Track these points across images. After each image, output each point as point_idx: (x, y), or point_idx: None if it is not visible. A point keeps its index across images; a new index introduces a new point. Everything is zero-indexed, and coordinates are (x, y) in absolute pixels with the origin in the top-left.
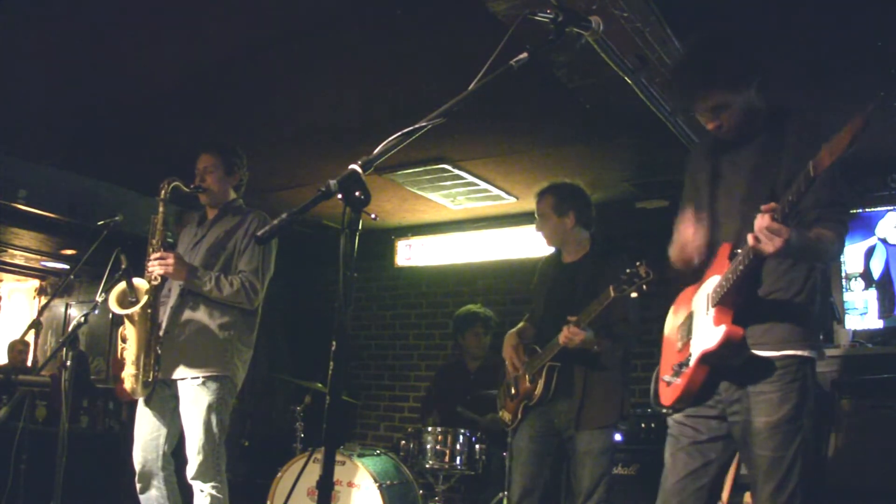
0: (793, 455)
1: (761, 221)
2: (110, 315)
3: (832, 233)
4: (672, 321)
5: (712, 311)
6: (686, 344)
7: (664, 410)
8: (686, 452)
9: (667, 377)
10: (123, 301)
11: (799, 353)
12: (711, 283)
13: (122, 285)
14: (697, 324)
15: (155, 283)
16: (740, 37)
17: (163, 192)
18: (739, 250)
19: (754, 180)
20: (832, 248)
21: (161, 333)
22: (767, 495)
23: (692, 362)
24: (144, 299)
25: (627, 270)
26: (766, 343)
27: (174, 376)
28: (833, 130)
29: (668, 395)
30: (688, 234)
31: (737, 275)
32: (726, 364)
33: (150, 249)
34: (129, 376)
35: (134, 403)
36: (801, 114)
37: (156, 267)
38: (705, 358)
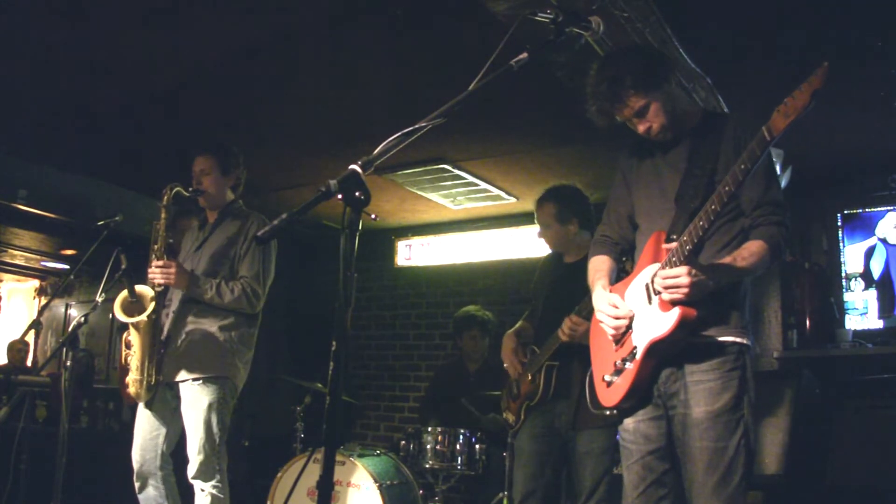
0: (735, 446)
1: (658, 274)
2: (110, 315)
3: (760, 241)
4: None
5: (656, 299)
6: (625, 339)
7: (607, 412)
8: (642, 464)
9: (607, 376)
10: (127, 307)
11: (739, 339)
12: (649, 271)
13: (125, 293)
14: (638, 315)
15: (158, 289)
16: (642, 46)
17: (165, 197)
18: (675, 236)
19: (690, 174)
20: (761, 259)
21: (163, 338)
22: (711, 489)
23: (639, 354)
24: (150, 307)
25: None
26: (707, 328)
27: (177, 379)
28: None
29: (611, 396)
30: (602, 265)
31: (682, 258)
32: (672, 350)
33: (153, 256)
34: (133, 381)
35: (136, 404)
36: (737, 116)
37: (157, 275)
38: (655, 346)
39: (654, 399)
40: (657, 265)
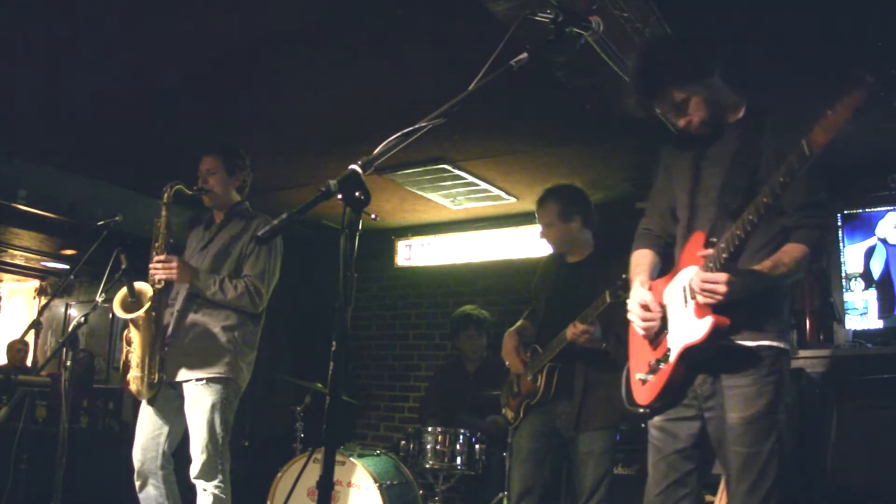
0: (769, 452)
1: (696, 277)
2: (110, 315)
3: (802, 245)
4: None
5: (692, 303)
6: (661, 339)
7: (640, 410)
8: (667, 462)
9: (641, 375)
10: (126, 304)
11: (775, 344)
12: (687, 273)
13: (124, 290)
14: (674, 317)
15: (159, 286)
16: (682, 36)
17: (165, 195)
18: (715, 239)
19: (731, 172)
20: (800, 264)
21: (166, 336)
22: (742, 494)
23: (672, 357)
24: (148, 304)
25: (623, 276)
26: (743, 332)
27: (179, 378)
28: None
29: (644, 394)
30: (643, 259)
31: (718, 266)
32: (706, 355)
33: (154, 253)
34: (134, 378)
35: (139, 402)
36: (781, 110)
37: (159, 271)
38: (688, 352)
39: (688, 399)
40: (696, 267)
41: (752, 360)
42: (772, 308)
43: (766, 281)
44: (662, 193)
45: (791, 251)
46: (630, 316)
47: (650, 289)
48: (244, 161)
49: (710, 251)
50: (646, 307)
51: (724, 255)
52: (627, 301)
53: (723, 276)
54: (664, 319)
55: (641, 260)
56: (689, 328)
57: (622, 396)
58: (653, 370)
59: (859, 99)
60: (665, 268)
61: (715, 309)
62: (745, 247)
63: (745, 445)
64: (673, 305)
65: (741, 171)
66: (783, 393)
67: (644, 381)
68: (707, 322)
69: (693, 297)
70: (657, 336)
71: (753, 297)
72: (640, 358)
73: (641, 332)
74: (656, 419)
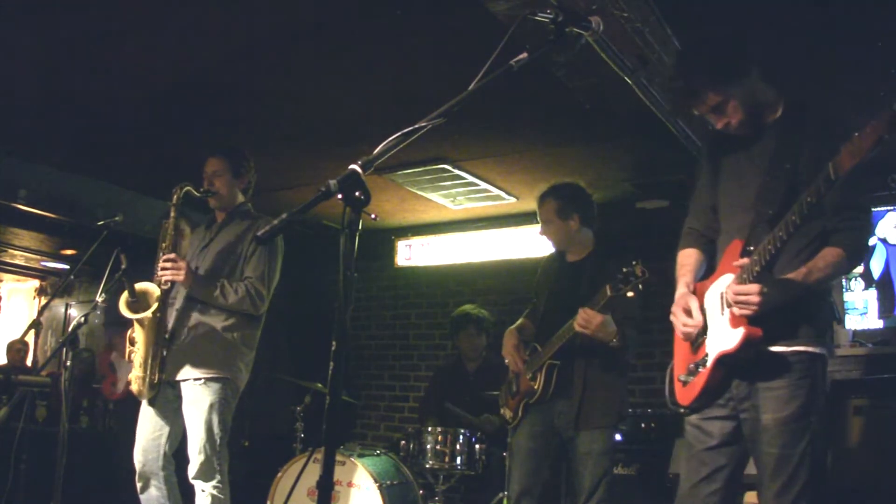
0: (801, 454)
1: (729, 289)
2: (104, 317)
3: (838, 249)
4: None
5: (727, 311)
6: (701, 343)
7: (681, 410)
8: (698, 459)
9: (682, 377)
10: (130, 304)
11: (810, 349)
12: (724, 281)
13: (126, 293)
14: (712, 323)
15: (164, 287)
16: (721, 36)
17: (175, 196)
18: (752, 248)
19: (768, 175)
20: (837, 268)
21: (167, 336)
22: (773, 494)
23: (709, 363)
24: (156, 304)
25: (624, 269)
26: (777, 339)
27: (178, 377)
28: (852, 128)
29: (684, 395)
30: (688, 260)
31: (752, 277)
32: (741, 363)
33: (161, 254)
34: (136, 378)
35: (127, 403)
36: (819, 109)
37: (167, 272)
38: (723, 359)
39: (722, 399)
40: (733, 276)
41: (785, 365)
42: (807, 312)
43: (802, 288)
44: (704, 192)
45: (827, 255)
46: (672, 318)
47: (694, 290)
48: (249, 163)
49: (746, 261)
50: (688, 312)
51: (756, 268)
52: (629, 296)
53: (755, 289)
54: (704, 323)
55: (686, 260)
56: (724, 336)
57: (665, 395)
58: (692, 372)
59: (882, 126)
60: (711, 265)
61: (749, 319)
62: (779, 257)
63: (777, 447)
64: (711, 312)
65: (778, 173)
66: (817, 396)
67: (685, 383)
68: (739, 333)
69: (729, 307)
70: (697, 339)
71: (788, 305)
72: (681, 359)
73: (681, 337)
74: (693, 417)
